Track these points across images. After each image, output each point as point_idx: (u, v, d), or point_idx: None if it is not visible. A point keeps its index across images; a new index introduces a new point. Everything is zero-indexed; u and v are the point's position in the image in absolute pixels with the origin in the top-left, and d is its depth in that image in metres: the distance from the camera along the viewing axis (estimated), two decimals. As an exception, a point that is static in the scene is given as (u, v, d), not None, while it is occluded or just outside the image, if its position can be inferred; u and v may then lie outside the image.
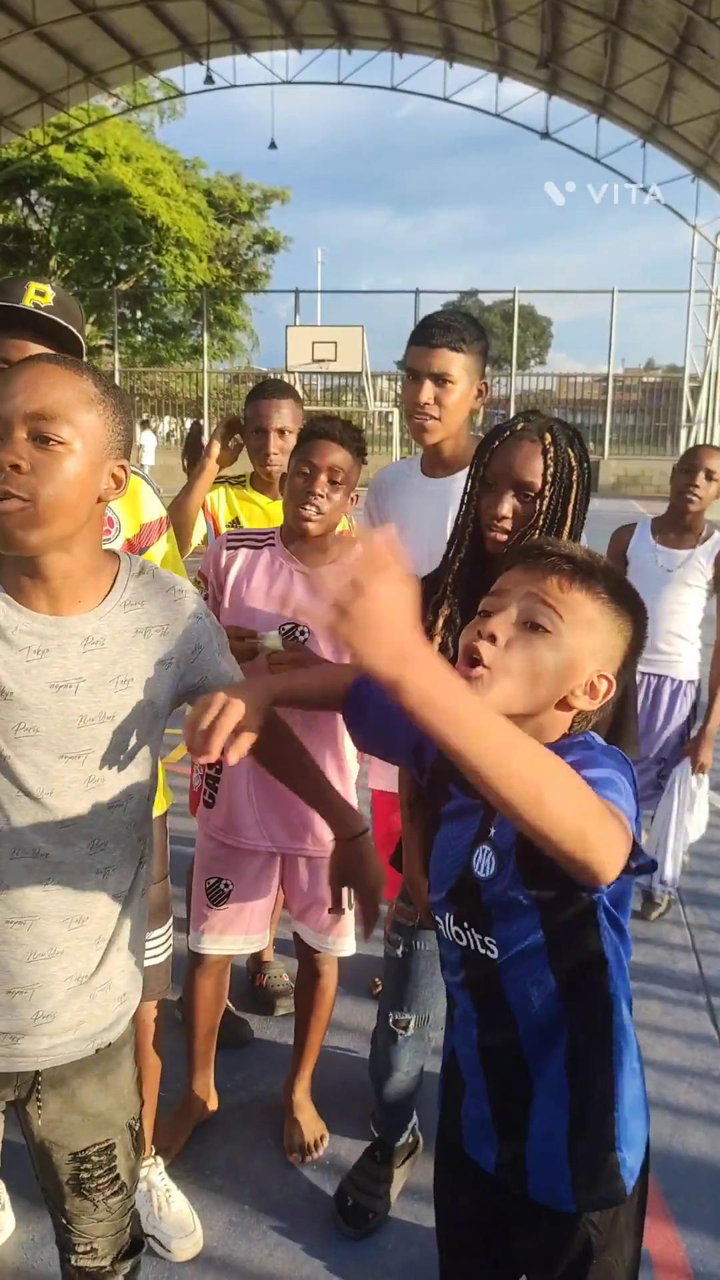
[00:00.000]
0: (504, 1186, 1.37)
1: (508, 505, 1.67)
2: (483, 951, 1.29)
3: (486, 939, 1.28)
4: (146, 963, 2.08)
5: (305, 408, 2.89)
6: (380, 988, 2.95)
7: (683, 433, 26.93)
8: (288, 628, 2.17)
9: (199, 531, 2.84)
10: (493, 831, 1.29)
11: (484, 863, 1.29)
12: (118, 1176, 1.53)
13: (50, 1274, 1.93)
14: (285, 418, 2.72)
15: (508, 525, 1.68)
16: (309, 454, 2.14)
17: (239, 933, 2.33)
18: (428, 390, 2.21)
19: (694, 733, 3.51)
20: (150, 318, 32.56)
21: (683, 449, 26.79)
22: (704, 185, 22.80)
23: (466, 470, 1.82)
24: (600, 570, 1.25)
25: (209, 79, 23.72)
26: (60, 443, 1.25)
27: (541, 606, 1.21)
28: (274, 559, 2.23)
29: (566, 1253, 1.32)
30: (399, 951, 2.07)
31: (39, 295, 1.79)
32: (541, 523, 1.66)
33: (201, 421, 24.57)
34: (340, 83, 24.00)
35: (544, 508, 1.66)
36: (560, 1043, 1.29)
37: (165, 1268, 2.09)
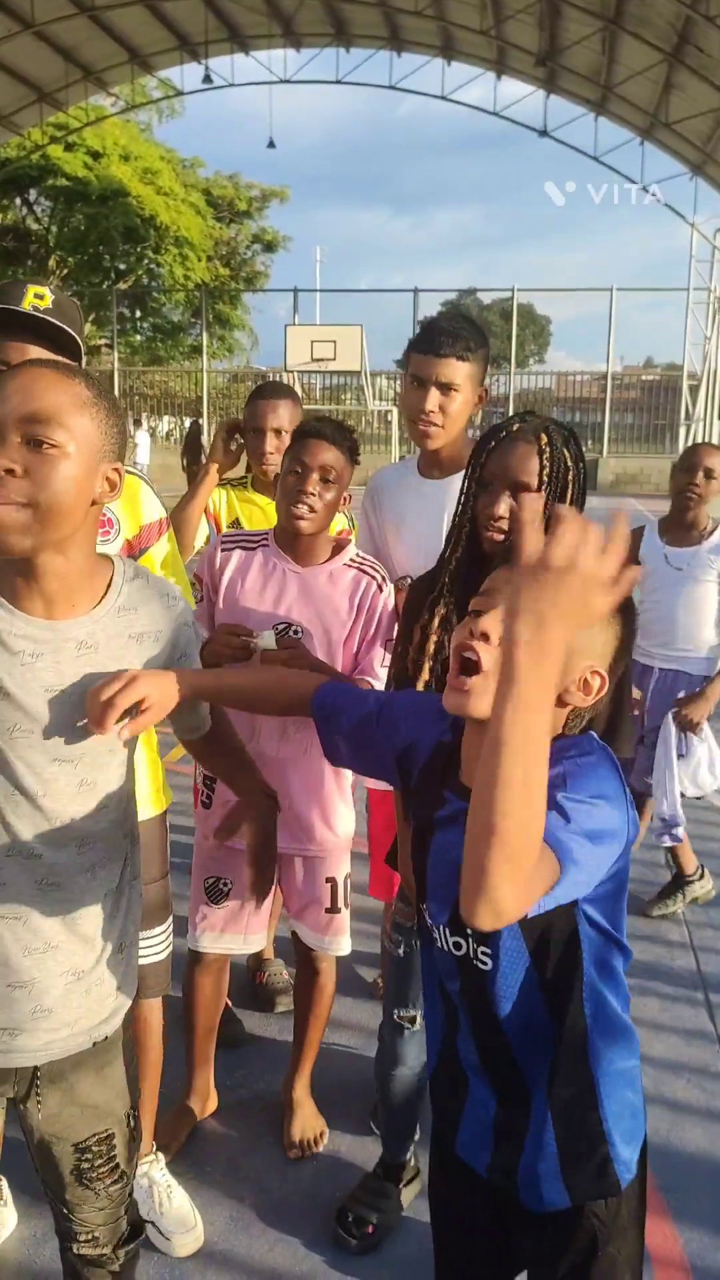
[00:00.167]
0: (499, 1188, 1.38)
1: (504, 505, 1.68)
2: (476, 962, 1.30)
3: (481, 949, 1.29)
4: (148, 960, 2.11)
5: (305, 407, 2.90)
6: (382, 987, 2.96)
7: (681, 431, 26.94)
8: (281, 627, 2.18)
9: (201, 532, 2.85)
10: None
11: None
12: (117, 1165, 1.55)
13: (53, 1270, 1.94)
14: (282, 418, 2.73)
15: (504, 525, 1.69)
16: (300, 453, 2.15)
17: (238, 931, 2.35)
18: (433, 398, 2.22)
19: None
20: (149, 317, 32.57)
21: (682, 447, 26.86)
22: (702, 183, 22.82)
23: (463, 471, 1.84)
24: None
25: (207, 78, 23.74)
26: (54, 446, 1.26)
27: None
28: (268, 559, 2.24)
29: (571, 1247, 1.33)
30: (400, 951, 2.08)
31: (38, 298, 1.80)
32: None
33: (201, 421, 24.60)
34: (338, 81, 24.02)
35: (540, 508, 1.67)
36: (549, 1045, 1.30)
37: (166, 1263, 2.11)
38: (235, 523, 2.89)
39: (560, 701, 1.24)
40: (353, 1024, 2.92)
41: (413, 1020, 2.08)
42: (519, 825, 0.96)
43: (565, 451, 1.69)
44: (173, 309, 32.55)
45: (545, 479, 1.67)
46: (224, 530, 2.87)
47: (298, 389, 22.57)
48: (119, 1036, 1.55)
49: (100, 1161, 1.53)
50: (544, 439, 1.67)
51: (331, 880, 2.35)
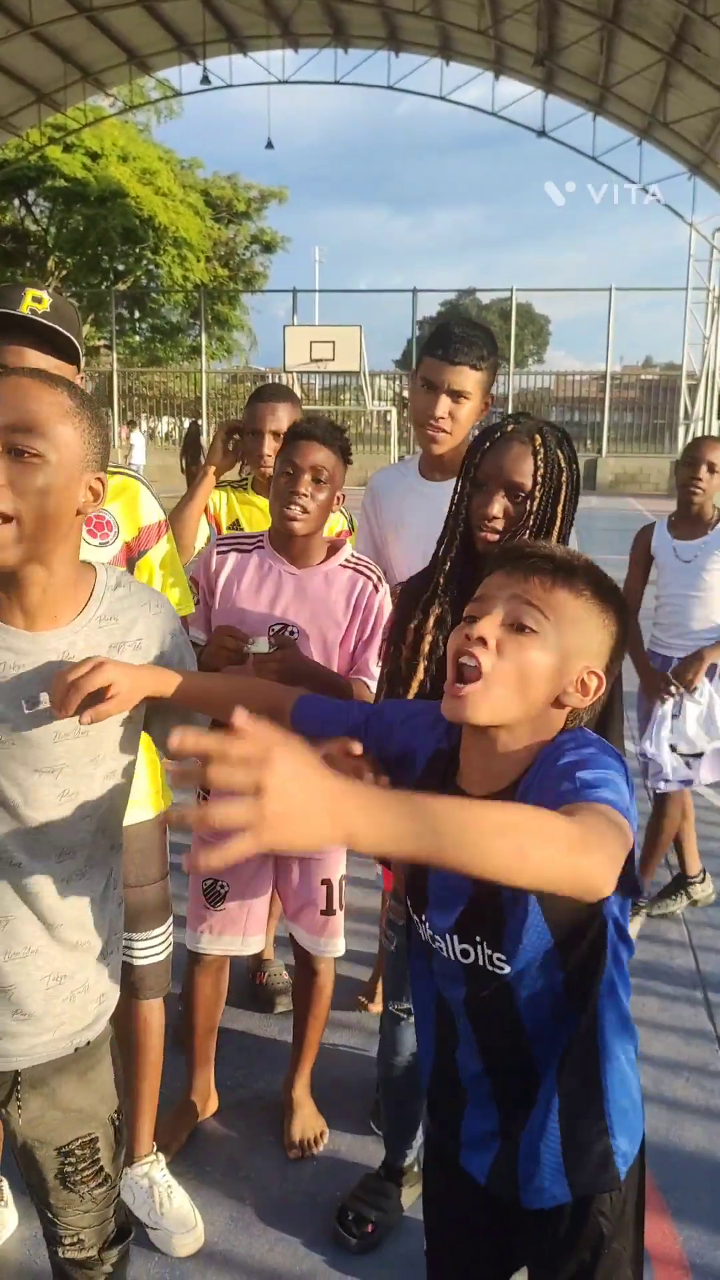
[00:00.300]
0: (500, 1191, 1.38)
1: (498, 505, 1.69)
2: (490, 967, 1.28)
3: (496, 955, 1.27)
4: (148, 961, 2.12)
5: (304, 407, 2.90)
6: (368, 1006, 2.96)
7: (680, 430, 26.93)
8: (277, 628, 2.19)
9: (202, 533, 2.86)
10: None
11: None
12: (102, 1168, 1.55)
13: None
14: (281, 420, 2.73)
15: (499, 525, 1.69)
16: (292, 454, 2.16)
17: (236, 933, 2.36)
18: (443, 405, 2.22)
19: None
20: (148, 318, 32.56)
21: (681, 446, 26.87)
22: (701, 183, 22.83)
23: None
24: (581, 568, 1.26)
25: (205, 79, 23.76)
26: (35, 455, 1.25)
27: (527, 608, 1.22)
28: (263, 561, 2.25)
29: (577, 1245, 1.33)
30: (393, 946, 2.10)
31: (36, 301, 1.81)
32: (531, 523, 1.68)
33: (200, 422, 24.63)
34: (337, 82, 24.03)
35: (534, 508, 1.67)
36: (564, 1042, 1.30)
37: (167, 1263, 2.11)
38: (235, 524, 2.90)
39: (558, 703, 1.25)
40: (352, 1024, 2.93)
41: (408, 1011, 2.09)
42: (528, 856, 0.94)
43: (559, 453, 1.69)
44: (171, 310, 32.55)
45: (539, 480, 1.67)
46: (225, 532, 2.87)
47: (297, 390, 22.63)
48: (103, 1041, 1.54)
49: (84, 1165, 1.53)
50: (538, 440, 1.68)
51: (327, 882, 2.36)
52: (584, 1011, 1.29)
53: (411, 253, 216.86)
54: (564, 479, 1.69)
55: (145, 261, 30.60)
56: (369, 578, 2.26)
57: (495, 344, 2.29)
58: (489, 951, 1.28)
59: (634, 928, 3.53)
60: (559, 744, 1.24)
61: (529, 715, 1.24)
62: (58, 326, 1.81)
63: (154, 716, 1.50)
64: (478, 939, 1.29)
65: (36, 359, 1.81)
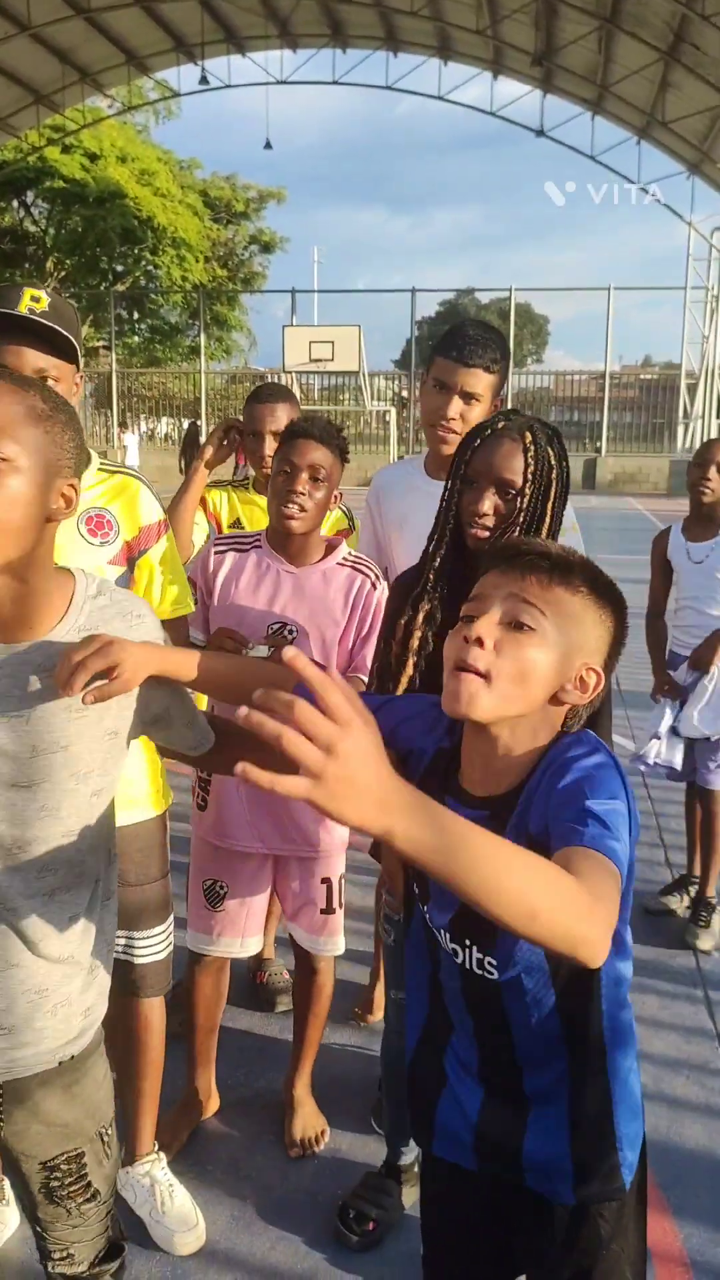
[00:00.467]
0: (495, 1180, 1.38)
1: (489, 502, 1.69)
2: (479, 971, 1.29)
3: (488, 959, 1.27)
4: (148, 960, 2.12)
5: (303, 408, 2.90)
6: (365, 1018, 2.95)
7: (680, 429, 26.96)
8: (276, 626, 2.20)
9: (201, 532, 2.86)
10: None
11: None
12: (90, 1184, 1.50)
13: (54, 1269, 1.95)
14: (280, 420, 2.74)
15: (489, 522, 1.70)
16: (289, 453, 2.16)
17: (235, 935, 2.36)
18: (455, 406, 2.22)
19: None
20: (147, 319, 32.60)
21: (680, 446, 26.94)
22: (699, 182, 22.86)
23: None
24: (577, 565, 1.26)
25: (204, 79, 23.81)
26: (3, 460, 1.20)
27: (524, 606, 1.22)
28: (261, 560, 2.25)
29: (576, 1246, 1.34)
30: (391, 940, 2.10)
31: (34, 301, 1.81)
32: (522, 520, 1.68)
33: (199, 422, 24.63)
34: (335, 82, 24.07)
35: (524, 505, 1.68)
36: (559, 1051, 1.30)
37: (168, 1262, 2.11)
38: (236, 523, 2.91)
39: (557, 700, 1.25)
40: (352, 1023, 2.93)
41: None
42: (537, 918, 0.95)
43: (549, 450, 1.70)
44: (170, 310, 32.60)
45: (530, 476, 1.68)
46: (225, 531, 2.88)
47: (296, 390, 22.63)
48: (90, 1054, 1.49)
49: (70, 1180, 1.48)
50: (528, 437, 1.69)
51: (327, 881, 2.36)
52: (576, 1025, 1.29)
53: (410, 253, 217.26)
54: (554, 476, 1.70)
55: (144, 262, 30.65)
56: (367, 575, 2.26)
57: (507, 347, 2.29)
58: (479, 955, 1.28)
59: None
60: (564, 747, 1.24)
61: (528, 712, 1.24)
62: (56, 326, 1.81)
63: (156, 723, 1.46)
64: (467, 942, 1.29)
65: (35, 358, 1.82)
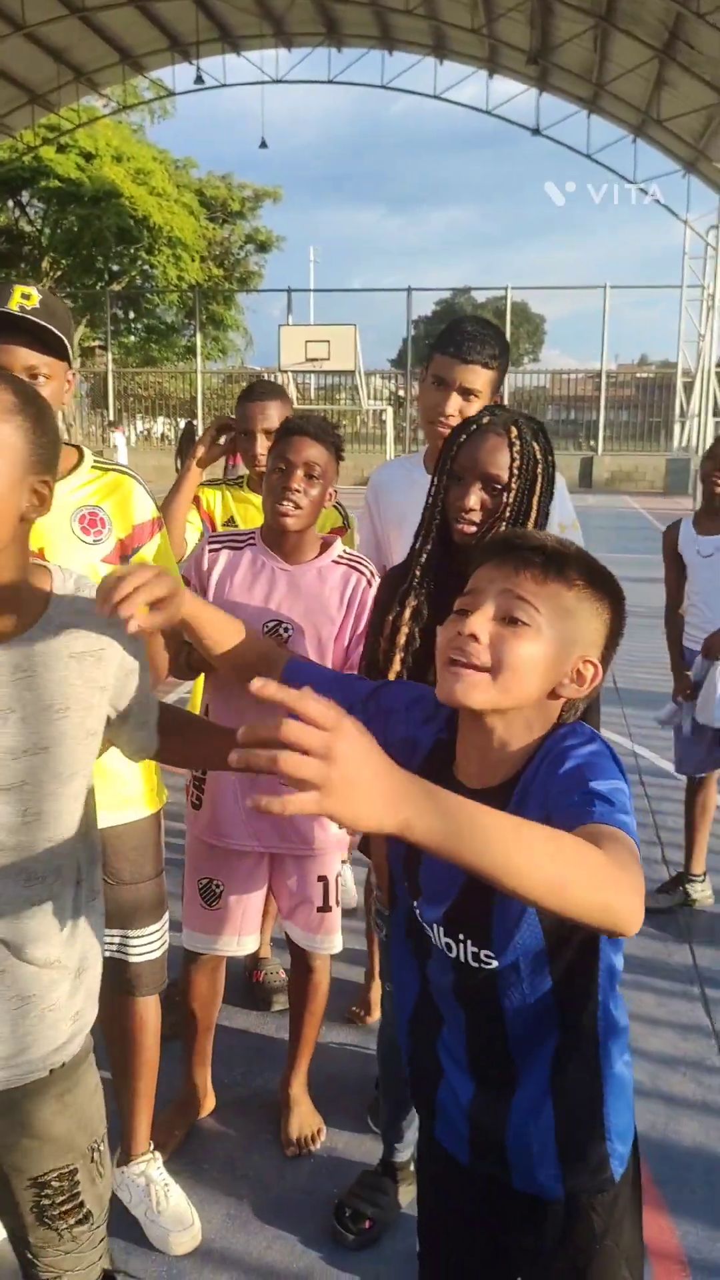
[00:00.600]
0: (490, 1178, 1.38)
1: (475, 497, 1.70)
2: (475, 964, 1.28)
3: (484, 952, 1.26)
4: (143, 958, 2.11)
5: (299, 406, 2.89)
6: (364, 1019, 2.95)
7: (676, 428, 27.00)
8: (271, 624, 2.19)
9: (194, 531, 2.86)
10: None
11: None
12: (82, 1203, 1.46)
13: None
14: (272, 418, 2.73)
15: (475, 517, 1.70)
16: (285, 450, 2.16)
17: (231, 933, 2.35)
18: (454, 402, 2.22)
19: None
20: (143, 318, 32.62)
21: (676, 444, 26.96)
22: (695, 180, 22.87)
23: None
24: (573, 558, 1.25)
25: (199, 78, 23.81)
26: None
27: (518, 601, 1.21)
28: (256, 558, 2.25)
29: (570, 1241, 1.33)
30: (383, 935, 2.10)
31: (25, 299, 1.80)
32: (508, 515, 1.68)
33: (195, 422, 24.62)
34: (330, 81, 24.08)
35: (510, 500, 1.68)
36: (550, 1039, 1.30)
37: (164, 1261, 2.11)
38: (230, 521, 2.90)
39: (554, 694, 1.24)
40: (349, 1022, 2.93)
41: None
42: (568, 887, 0.94)
43: (535, 445, 1.70)
44: (166, 310, 32.60)
45: (515, 472, 1.68)
46: (219, 530, 2.87)
47: (292, 389, 22.62)
48: (80, 1062, 1.45)
49: (62, 1199, 1.43)
50: (514, 432, 1.69)
51: (323, 879, 2.36)
52: (571, 1016, 1.28)
53: (407, 252, 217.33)
54: (539, 471, 1.70)
55: (140, 262, 30.65)
56: (362, 573, 2.26)
57: (506, 344, 2.29)
58: (474, 948, 1.27)
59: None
60: (560, 737, 1.24)
61: (524, 706, 1.23)
62: (47, 323, 1.80)
63: (119, 721, 1.42)
64: (461, 936, 1.28)
65: (26, 356, 1.81)
